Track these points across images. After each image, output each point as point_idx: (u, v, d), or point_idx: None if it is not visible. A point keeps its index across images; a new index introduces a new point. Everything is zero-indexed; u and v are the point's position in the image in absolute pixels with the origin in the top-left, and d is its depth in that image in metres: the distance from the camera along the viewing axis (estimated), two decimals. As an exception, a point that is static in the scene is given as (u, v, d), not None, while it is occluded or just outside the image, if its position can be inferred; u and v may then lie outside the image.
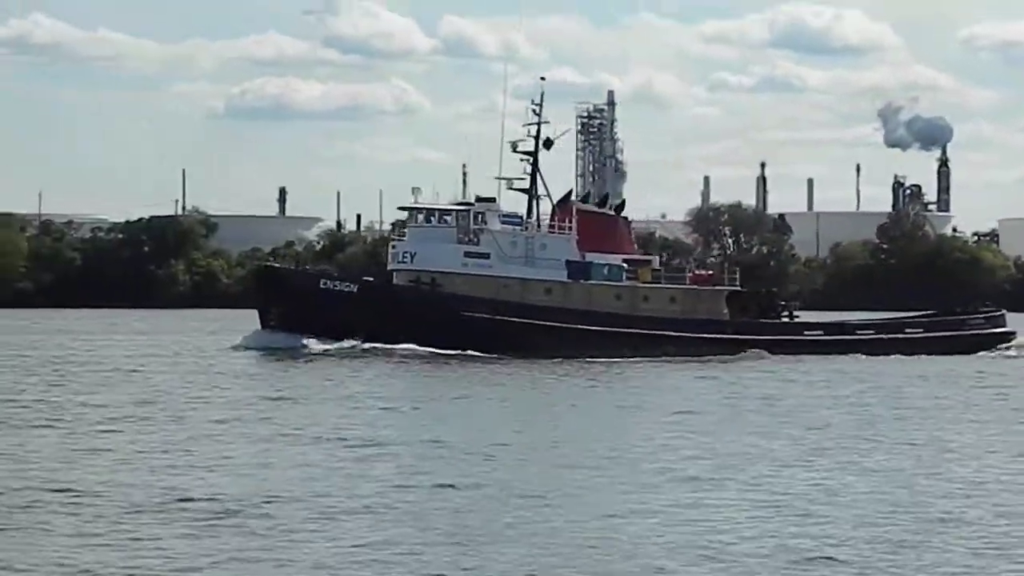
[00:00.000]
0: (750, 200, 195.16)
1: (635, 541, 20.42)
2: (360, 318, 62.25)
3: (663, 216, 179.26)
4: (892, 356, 64.58)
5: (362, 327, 62.14)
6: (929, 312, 77.98)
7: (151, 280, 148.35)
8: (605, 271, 65.01)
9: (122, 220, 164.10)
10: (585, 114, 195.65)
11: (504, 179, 66.26)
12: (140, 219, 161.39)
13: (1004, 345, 69.76)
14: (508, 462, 29.55)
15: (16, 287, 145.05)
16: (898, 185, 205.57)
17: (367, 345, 61.95)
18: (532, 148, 65.45)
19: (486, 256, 64.03)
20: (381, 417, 39.20)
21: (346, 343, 61.91)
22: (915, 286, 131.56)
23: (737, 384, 51.11)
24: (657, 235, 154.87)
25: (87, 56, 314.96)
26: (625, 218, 68.86)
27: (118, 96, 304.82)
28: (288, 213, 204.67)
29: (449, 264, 64.02)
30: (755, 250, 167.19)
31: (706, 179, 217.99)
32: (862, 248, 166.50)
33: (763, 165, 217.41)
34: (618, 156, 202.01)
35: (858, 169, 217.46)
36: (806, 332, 68.85)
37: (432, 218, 65.36)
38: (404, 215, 69.72)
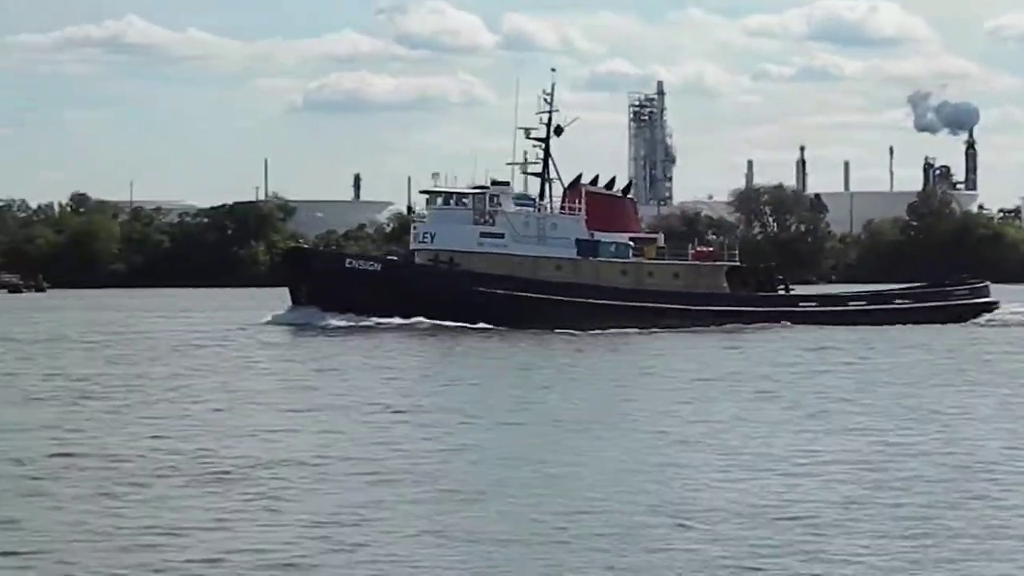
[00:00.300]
0: (790, 182, 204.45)
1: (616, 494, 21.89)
2: (384, 295, 65.95)
3: (710, 197, 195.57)
4: (881, 326, 67.27)
5: (386, 304, 66.10)
6: (919, 284, 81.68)
7: (234, 261, 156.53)
8: (612, 248, 68.79)
9: (207, 206, 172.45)
10: (637, 103, 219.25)
11: (517, 164, 69.99)
12: (224, 205, 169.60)
13: (987, 315, 72.71)
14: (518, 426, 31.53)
15: (110, 269, 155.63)
16: (928, 166, 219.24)
17: (391, 320, 65.55)
18: (544, 135, 69.21)
19: (501, 236, 68.06)
20: (411, 387, 41.65)
21: (371, 319, 65.74)
22: (942, 260, 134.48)
23: (740, 351, 54.69)
24: (703, 215, 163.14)
25: (177, 55, 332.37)
26: (632, 199, 73.39)
27: (205, 92, 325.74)
28: (362, 199, 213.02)
29: (466, 244, 67.94)
30: (793, 228, 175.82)
31: (749, 163, 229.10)
32: (893, 225, 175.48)
33: (802, 149, 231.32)
34: (668, 141, 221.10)
35: (891, 152, 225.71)
36: (801, 304, 72.49)
37: (451, 201, 69.45)
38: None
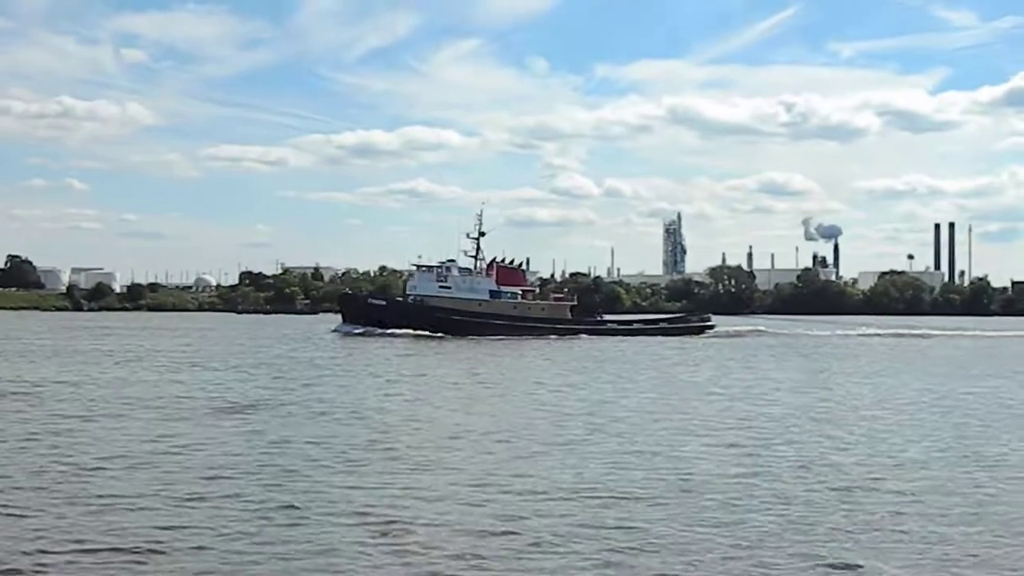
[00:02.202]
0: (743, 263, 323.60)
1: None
2: (388, 318, 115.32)
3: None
4: (648, 336, 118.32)
5: (389, 322, 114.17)
6: (677, 315, 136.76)
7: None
8: (508, 295, 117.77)
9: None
10: (668, 223, 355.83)
11: (463, 251, 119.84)
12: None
13: (708, 332, 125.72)
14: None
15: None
16: (814, 256, 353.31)
17: (391, 331, 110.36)
18: (477, 236, 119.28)
19: (449, 287, 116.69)
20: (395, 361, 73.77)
21: (380, 330, 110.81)
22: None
23: (571, 349, 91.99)
24: (694, 279, 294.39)
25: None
26: (523, 270, 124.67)
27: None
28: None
29: (430, 291, 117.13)
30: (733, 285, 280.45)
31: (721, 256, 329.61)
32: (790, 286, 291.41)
33: (751, 247, 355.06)
34: (684, 243, 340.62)
35: (796, 249, 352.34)
36: (608, 325, 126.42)
37: (423, 269, 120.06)
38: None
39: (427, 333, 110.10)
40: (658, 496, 23.78)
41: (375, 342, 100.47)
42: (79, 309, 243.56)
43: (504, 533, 19.96)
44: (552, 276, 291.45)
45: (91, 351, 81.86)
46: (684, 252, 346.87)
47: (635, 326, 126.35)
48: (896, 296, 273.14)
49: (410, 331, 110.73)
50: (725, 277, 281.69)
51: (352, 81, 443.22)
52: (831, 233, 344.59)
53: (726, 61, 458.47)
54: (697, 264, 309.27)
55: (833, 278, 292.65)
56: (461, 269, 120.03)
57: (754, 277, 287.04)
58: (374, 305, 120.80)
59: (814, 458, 29.55)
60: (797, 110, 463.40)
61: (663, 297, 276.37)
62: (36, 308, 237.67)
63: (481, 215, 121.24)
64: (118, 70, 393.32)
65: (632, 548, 19.03)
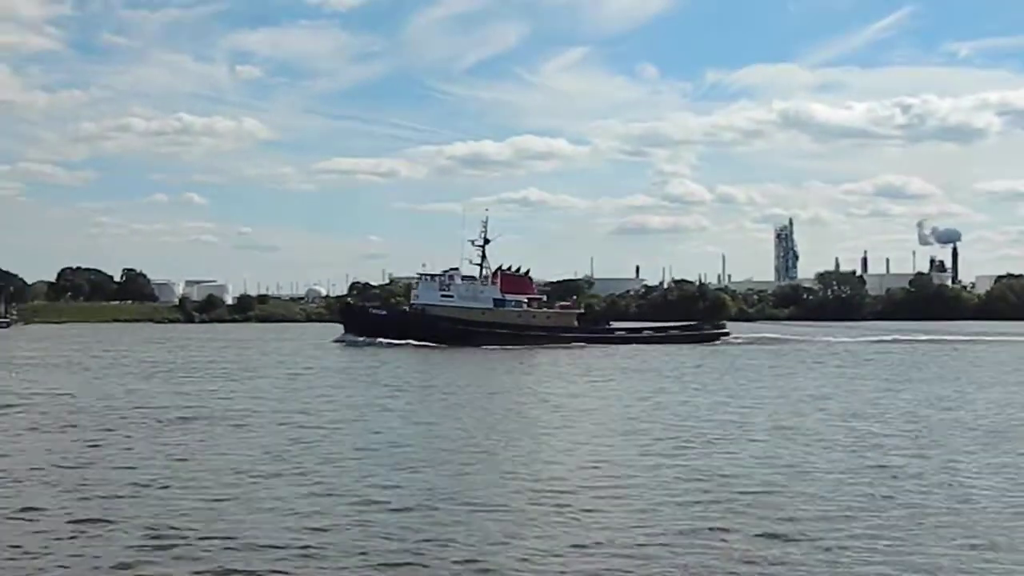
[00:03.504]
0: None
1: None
2: (388, 327, 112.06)
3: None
4: (659, 344, 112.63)
5: (389, 332, 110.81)
6: (689, 323, 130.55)
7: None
8: (513, 303, 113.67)
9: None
10: (780, 228, 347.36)
11: (467, 259, 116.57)
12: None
13: (721, 339, 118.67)
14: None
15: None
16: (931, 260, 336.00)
17: (391, 340, 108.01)
18: (482, 243, 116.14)
19: (452, 296, 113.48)
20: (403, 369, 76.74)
21: (381, 340, 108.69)
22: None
23: (581, 357, 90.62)
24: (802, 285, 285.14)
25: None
26: (529, 277, 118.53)
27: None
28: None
29: (433, 300, 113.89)
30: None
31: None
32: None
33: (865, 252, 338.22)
34: (796, 249, 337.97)
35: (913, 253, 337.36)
36: (616, 333, 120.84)
37: (426, 278, 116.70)
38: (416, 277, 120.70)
39: (428, 343, 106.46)
40: None
41: (363, 354, 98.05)
42: (191, 321, 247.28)
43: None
44: (660, 283, 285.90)
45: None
46: (796, 258, 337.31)
47: (645, 334, 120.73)
48: (1014, 301, 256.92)
49: (411, 341, 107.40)
50: (834, 283, 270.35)
51: (462, 92, 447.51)
52: (948, 237, 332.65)
53: (839, 63, 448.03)
54: (810, 270, 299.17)
55: (949, 283, 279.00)
56: (465, 277, 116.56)
57: (864, 283, 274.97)
58: (375, 316, 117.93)
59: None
60: (914, 111, 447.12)
61: (770, 304, 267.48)
62: (150, 320, 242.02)
63: (486, 222, 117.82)
64: (233, 86, 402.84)
65: None
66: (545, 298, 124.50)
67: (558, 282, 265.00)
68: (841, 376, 67.52)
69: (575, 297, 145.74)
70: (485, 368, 76.67)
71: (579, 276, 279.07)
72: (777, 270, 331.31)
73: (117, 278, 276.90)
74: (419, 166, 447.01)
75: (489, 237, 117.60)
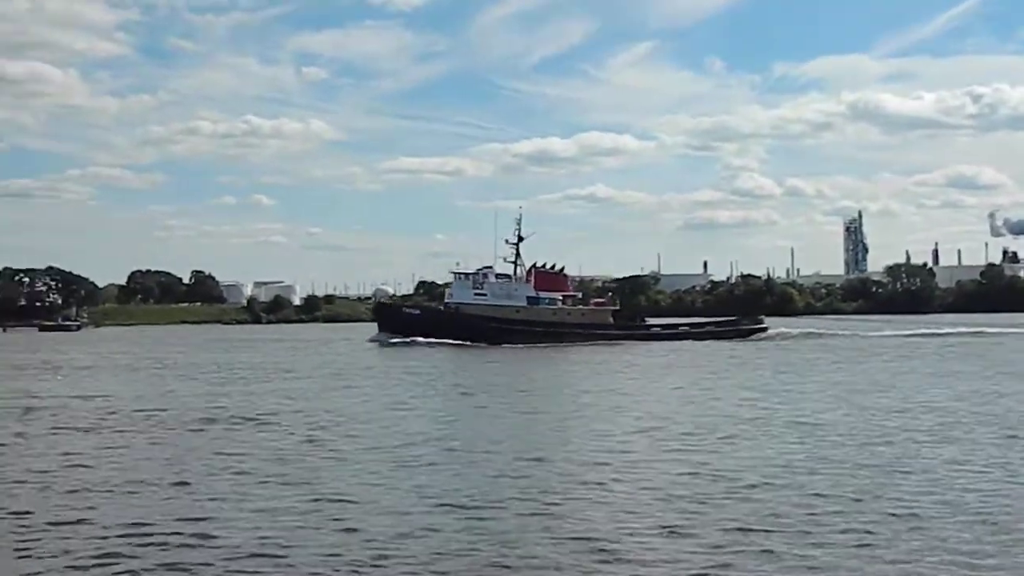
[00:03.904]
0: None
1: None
2: (421, 326, 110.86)
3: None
4: (696, 340, 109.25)
5: (423, 331, 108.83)
6: (727, 318, 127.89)
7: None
8: (547, 301, 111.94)
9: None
10: (849, 220, 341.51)
11: (501, 257, 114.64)
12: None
13: (759, 334, 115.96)
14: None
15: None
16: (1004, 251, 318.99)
17: (424, 340, 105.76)
18: (516, 241, 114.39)
19: (485, 295, 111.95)
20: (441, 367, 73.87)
21: (415, 340, 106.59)
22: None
23: (622, 353, 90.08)
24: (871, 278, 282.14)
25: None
26: (564, 274, 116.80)
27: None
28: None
29: (466, 299, 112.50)
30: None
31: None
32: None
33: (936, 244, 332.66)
34: (865, 242, 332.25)
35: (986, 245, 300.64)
36: (652, 329, 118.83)
37: (461, 276, 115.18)
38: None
39: (461, 342, 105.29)
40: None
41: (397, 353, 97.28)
42: (258, 322, 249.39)
43: None
44: (728, 279, 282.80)
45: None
46: (866, 251, 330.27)
47: (681, 330, 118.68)
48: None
49: (447, 340, 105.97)
50: (903, 275, 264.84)
51: (528, 89, 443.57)
52: (1021, 228, 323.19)
53: (909, 53, 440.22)
54: (880, 263, 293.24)
55: (1022, 274, 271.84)
56: (499, 275, 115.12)
57: (934, 275, 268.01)
58: (408, 315, 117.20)
59: None
60: (985, 101, 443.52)
61: (838, 297, 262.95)
62: (218, 321, 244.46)
63: (520, 220, 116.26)
64: (299, 88, 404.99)
65: None
66: (581, 295, 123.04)
67: (623, 279, 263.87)
68: (863, 372, 64.95)
69: (610, 294, 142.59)
70: (513, 367, 75.41)
71: (646, 272, 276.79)
72: (847, 263, 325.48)
73: (186, 280, 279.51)
74: (485, 164, 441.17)
75: (523, 235, 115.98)
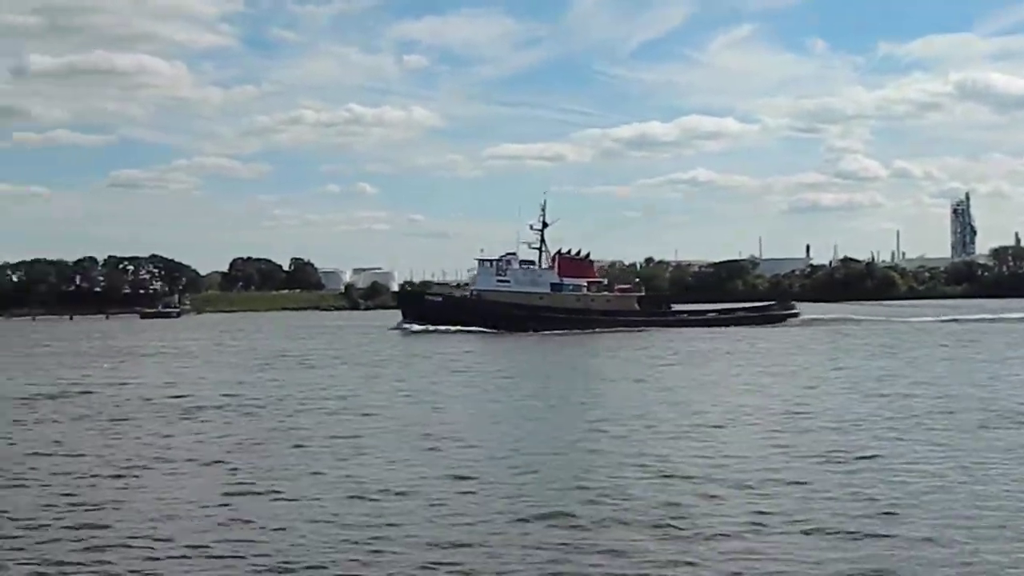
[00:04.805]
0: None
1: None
2: (444, 313, 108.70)
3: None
4: (725, 327, 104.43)
5: (446, 318, 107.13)
6: (758, 304, 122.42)
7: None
8: (571, 287, 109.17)
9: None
10: (957, 203, 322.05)
11: (524, 242, 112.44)
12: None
13: (790, 319, 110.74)
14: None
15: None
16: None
17: (447, 327, 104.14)
18: (540, 227, 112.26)
19: (508, 281, 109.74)
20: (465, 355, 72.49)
21: (438, 327, 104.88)
22: None
23: (644, 338, 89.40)
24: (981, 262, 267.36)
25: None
26: (590, 260, 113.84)
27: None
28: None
29: (490, 285, 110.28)
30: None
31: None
32: None
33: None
34: (973, 224, 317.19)
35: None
36: (675, 315, 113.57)
37: (486, 263, 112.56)
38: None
39: (484, 329, 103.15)
40: None
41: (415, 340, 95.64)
42: (356, 308, 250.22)
43: None
44: (829, 263, 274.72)
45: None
46: (974, 233, 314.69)
47: (708, 316, 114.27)
48: None
49: (468, 327, 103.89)
50: (1009, 258, 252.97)
51: (627, 74, 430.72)
52: None
53: (1017, 31, 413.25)
54: (989, 245, 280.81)
55: None
56: (523, 262, 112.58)
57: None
58: (431, 302, 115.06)
59: None
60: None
61: (942, 281, 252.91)
62: (316, 308, 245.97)
63: (544, 205, 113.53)
64: (400, 76, 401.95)
65: None
66: (606, 281, 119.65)
67: (720, 263, 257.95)
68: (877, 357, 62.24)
69: (636, 280, 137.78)
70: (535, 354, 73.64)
71: (744, 257, 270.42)
72: (953, 246, 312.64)
73: (285, 267, 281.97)
74: (585, 149, 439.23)
75: (547, 221, 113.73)
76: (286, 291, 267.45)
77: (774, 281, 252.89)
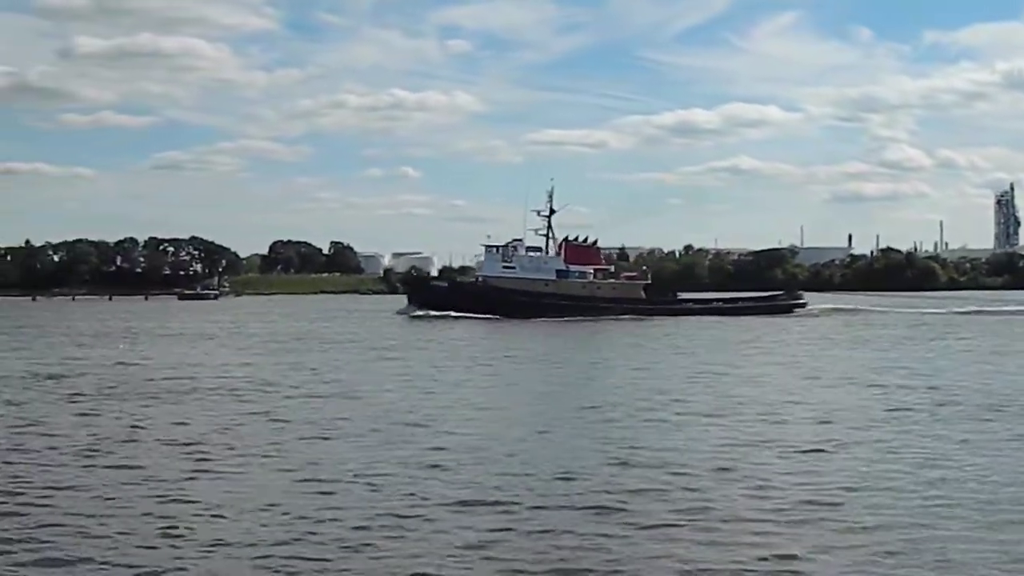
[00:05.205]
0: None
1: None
2: (449, 299, 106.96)
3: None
4: (730, 317, 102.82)
5: (450, 304, 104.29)
6: (764, 294, 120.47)
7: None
8: (577, 274, 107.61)
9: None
10: (1000, 193, 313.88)
11: (531, 229, 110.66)
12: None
13: (798, 310, 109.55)
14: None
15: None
16: None
17: (451, 313, 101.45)
18: (547, 213, 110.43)
19: (514, 267, 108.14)
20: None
21: (443, 313, 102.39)
22: None
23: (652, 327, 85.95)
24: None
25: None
26: (597, 248, 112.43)
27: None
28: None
29: (495, 272, 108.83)
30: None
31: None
32: None
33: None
34: (1017, 215, 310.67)
35: None
36: (682, 304, 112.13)
37: (491, 249, 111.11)
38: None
39: (488, 316, 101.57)
40: None
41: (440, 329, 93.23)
42: (394, 292, 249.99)
43: None
44: (870, 252, 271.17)
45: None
46: (1018, 224, 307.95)
47: (714, 305, 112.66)
48: None
49: (471, 314, 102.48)
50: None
51: (670, 60, 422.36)
52: None
53: None
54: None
55: None
56: (529, 248, 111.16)
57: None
58: (436, 287, 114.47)
59: None
60: None
61: (983, 272, 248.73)
62: (354, 292, 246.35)
63: (552, 192, 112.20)
64: (443, 60, 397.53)
65: None
66: (613, 268, 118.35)
67: (760, 251, 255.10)
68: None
69: (644, 268, 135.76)
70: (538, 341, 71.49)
71: (784, 246, 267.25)
72: (997, 237, 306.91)
73: (325, 251, 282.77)
74: (627, 136, 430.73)
75: (555, 207, 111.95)
76: (325, 274, 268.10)
77: (814, 270, 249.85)
